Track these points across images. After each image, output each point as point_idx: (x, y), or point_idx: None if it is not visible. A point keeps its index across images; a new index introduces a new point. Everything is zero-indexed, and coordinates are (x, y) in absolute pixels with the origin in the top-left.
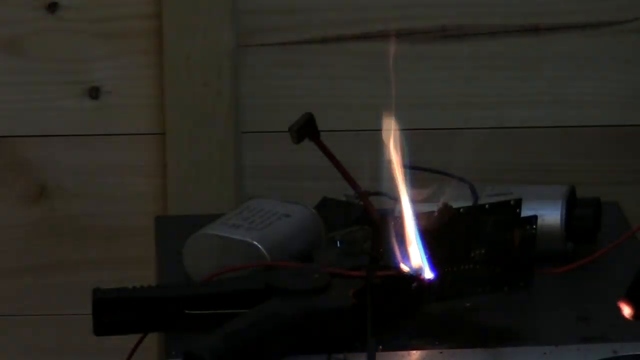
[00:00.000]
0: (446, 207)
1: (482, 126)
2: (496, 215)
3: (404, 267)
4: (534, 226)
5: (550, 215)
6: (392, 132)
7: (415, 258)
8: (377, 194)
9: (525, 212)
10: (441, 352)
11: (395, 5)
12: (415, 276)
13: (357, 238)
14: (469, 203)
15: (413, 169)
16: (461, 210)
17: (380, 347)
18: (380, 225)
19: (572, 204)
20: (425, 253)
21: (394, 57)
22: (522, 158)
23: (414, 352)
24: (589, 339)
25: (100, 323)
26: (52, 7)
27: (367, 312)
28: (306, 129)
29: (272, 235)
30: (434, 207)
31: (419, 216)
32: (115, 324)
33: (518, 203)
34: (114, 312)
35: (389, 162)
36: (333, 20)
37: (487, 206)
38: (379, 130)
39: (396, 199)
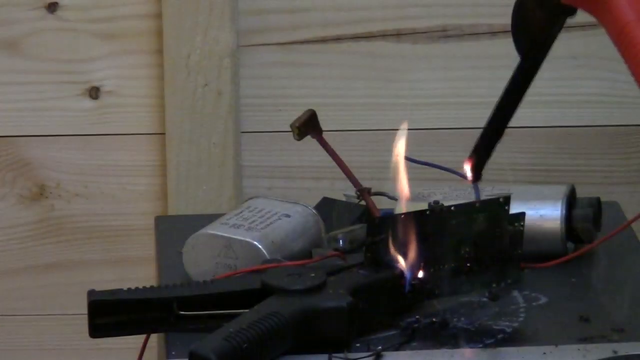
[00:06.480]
0: (437, 205)
1: (482, 126)
2: (485, 212)
3: (399, 265)
4: (522, 223)
5: (550, 215)
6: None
7: (409, 256)
8: (378, 193)
9: (526, 212)
10: (441, 352)
11: (396, 5)
12: (408, 274)
13: (358, 236)
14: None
15: (417, 163)
16: (452, 208)
17: (380, 347)
18: (377, 224)
19: (572, 204)
20: (418, 251)
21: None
22: (522, 158)
23: (413, 352)
24: (589, 339)
25: (95, 325)
26: (52, 7)
27: None
28: (308, 125)
29: (272, 235)
30: (425, 206)
31: (411, 214)
32: (111, 326)
33: (507, 200)
34: (109, 313)
35: (391, 160)
36: (333, 20)
37: (477, 204)
38: (379, 130)
39: (396, 198)
